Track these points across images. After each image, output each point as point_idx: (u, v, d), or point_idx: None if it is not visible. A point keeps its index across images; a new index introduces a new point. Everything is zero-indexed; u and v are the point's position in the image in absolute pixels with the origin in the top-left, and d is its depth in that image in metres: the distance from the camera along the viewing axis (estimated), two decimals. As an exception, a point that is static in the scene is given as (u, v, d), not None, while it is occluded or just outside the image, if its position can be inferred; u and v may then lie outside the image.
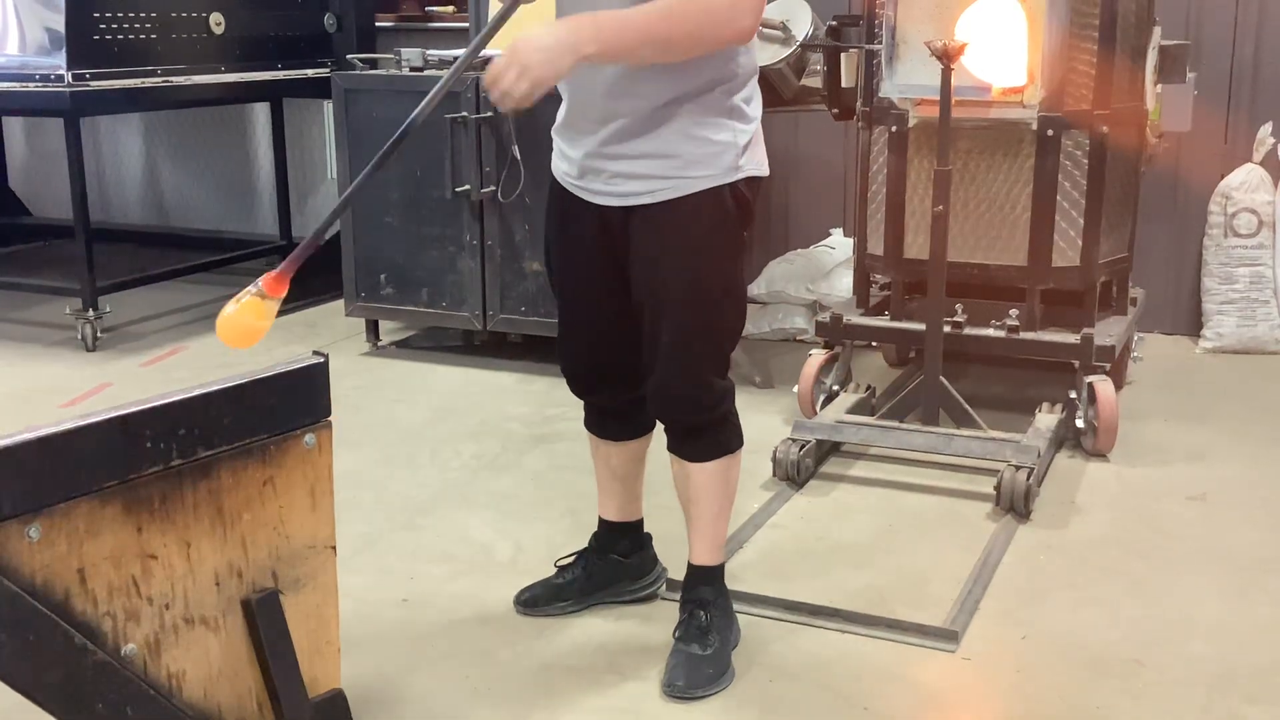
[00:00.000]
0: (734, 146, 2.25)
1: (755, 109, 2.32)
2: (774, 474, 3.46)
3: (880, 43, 3.64)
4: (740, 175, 2.28)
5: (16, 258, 6.10)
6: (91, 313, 4.84)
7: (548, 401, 4.25)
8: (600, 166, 2.27)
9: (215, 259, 5.75)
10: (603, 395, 2.58)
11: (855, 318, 3.92)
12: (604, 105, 2.19)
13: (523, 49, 1.91)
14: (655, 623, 2.71)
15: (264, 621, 1.53)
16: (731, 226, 2.28)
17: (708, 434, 2.41)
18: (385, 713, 2.33)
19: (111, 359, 4.75)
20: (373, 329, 4.94)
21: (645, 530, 2.81)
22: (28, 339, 5.07)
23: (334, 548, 1.65)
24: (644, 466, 2.73)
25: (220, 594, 1.49)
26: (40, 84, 4.79)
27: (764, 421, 3.97)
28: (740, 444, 2.53)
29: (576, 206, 2.38)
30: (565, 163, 2.40)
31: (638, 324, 2.35)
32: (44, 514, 1.29)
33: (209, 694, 1.49)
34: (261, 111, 6.26)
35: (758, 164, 2.32)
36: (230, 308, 1.67)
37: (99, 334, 4.86)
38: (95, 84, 4.78)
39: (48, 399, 4.12)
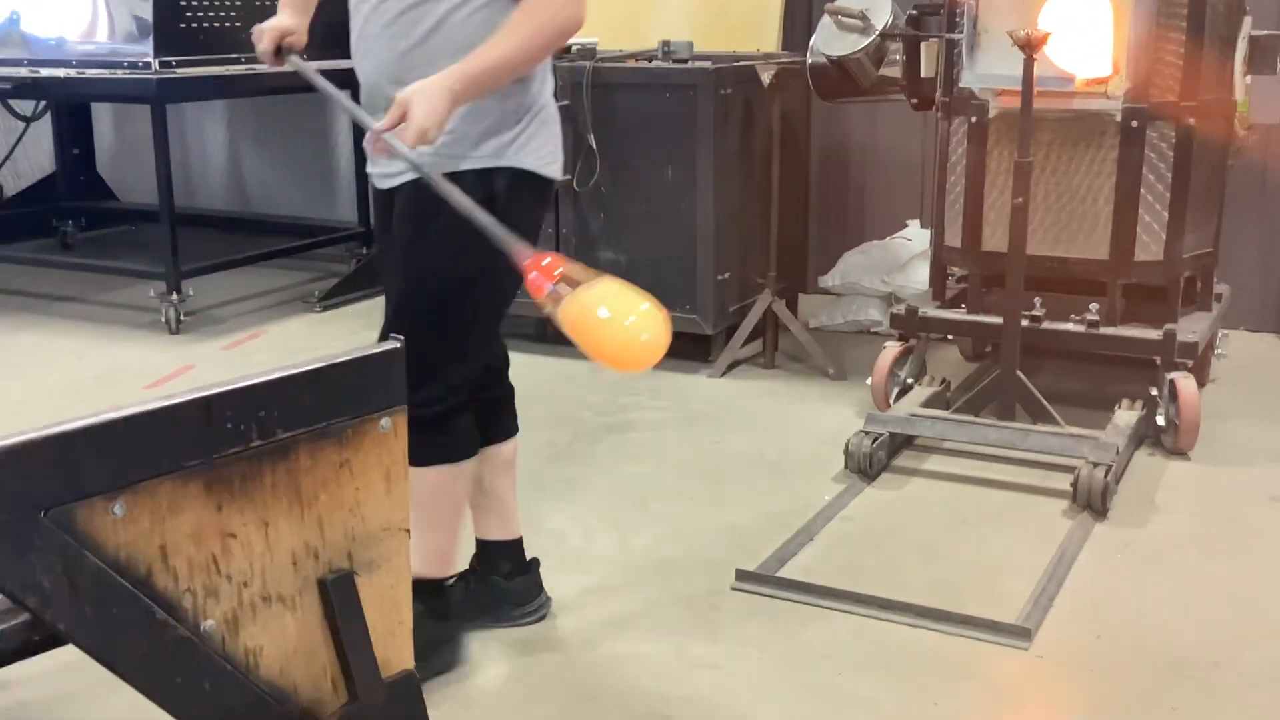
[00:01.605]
0: (495, 136, 2.20)
1: (533, 101, 2.26)
2: (846, 466, 3.44)
3: (961, 32, 3.59)
4: (497, 163, 2.21)
5: (104, 242, 6.26)
6: (175, 296, 4.95)
7: (620, 391, 4.26)
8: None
9: (295, 244, 5.85)
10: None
11: (931, 310, 3.88)
12: (385, 90, 2.17)
13: (411, 105, 1.97)
14: (723, 612, 2.71)
15: (339, 601, 1.55)
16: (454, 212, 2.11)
17: (421, 433, 1.89)
18: (454, 696, 2.36)
19: (194, 342, 4.85)
20: (447, 316, 4.99)
21: (532, 556, 2.68)
22: (114, 321, 5.20)
23: (408, 531, 1.67)
24: (512, 477, 2.61)
25: (297, 573, 1.52)
26: (128, 71, 4.90)
27: (836, 414, 3.95)
28: (461, 457, 2.35)
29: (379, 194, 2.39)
30: None
31: None
32: (128, 491, 1.32)
33: (285, 671, 1.52)
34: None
35: (533, 161, 2.26)
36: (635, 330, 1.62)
37: (182, 317, 4.97)
38: (181, 71, 4.89)
39: (132, 380, 4.22)
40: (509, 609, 2.62)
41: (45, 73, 5.20)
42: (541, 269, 1.74)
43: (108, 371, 4.45)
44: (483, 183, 2.19)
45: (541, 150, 2.30)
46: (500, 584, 2.61)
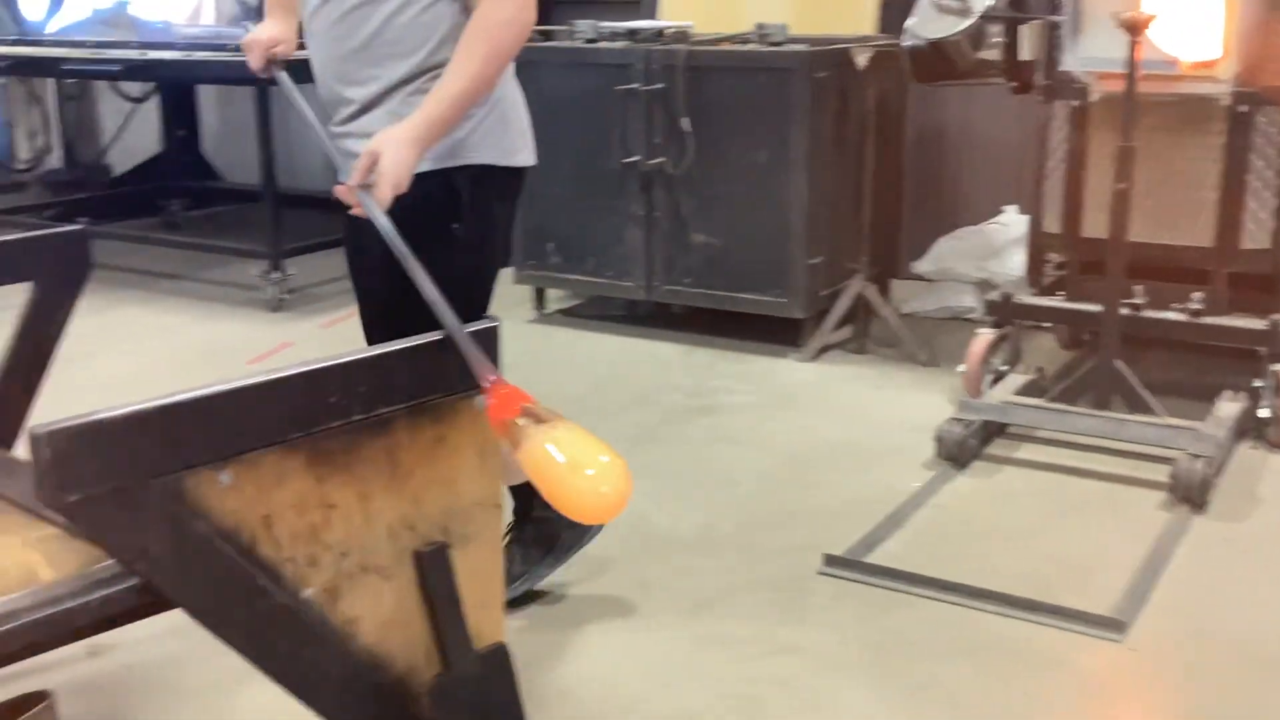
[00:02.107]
0: (447, 136, 2.10)
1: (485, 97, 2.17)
2: (936, 454, 3.41)
3: (1063, 14, 3.51)
4: (454, 163, 2.16)
5: (208, 221, 6.42)
6: (276, 274, 5.07)
7: (710, 374, 4.27)
8: (339, 147, 2.19)
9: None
10: None
11: (1027, 297, 3.81)
12: (335, 89, 2.21)
13: (381, 157, 1.91)
14: (810, 596, 2.71)
15: (433, 574, 1.59)
16: (423, 218, 2.04)
17: None
18: (543, 671, 2.40)
19: (293, 319, 4.97)
20: (539, 297, 5.04)
21: None
22: (217, 298, 5.34)
23: (499, 506, 1.70)
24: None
25: (393, 545, 1.56)
26: (233, 54, 5.01)
27: (927, 400, 3.91)
28: None
29: None
30: None
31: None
32: (235, 462, 1.37)
33: (381, 640, 1.56)
34: (438, 82, 6.42)
35: (493, 155, 2.22)
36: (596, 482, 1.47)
37: (283, 295, 5.09)
38: (284, 55, 4.98)
39: (234, 355, 4.33)
40: (565, 535, 2.61)
41: (153, 55, 5.35)
42: (503, 399, 1.56)
43: (211, 347, 4.58)
44: (443, 183, 2.15)
45: (501, 142, 2.25)
46: (545, 514, 2.53)
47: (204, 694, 2.29)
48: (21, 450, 1.78)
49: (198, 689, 2.32)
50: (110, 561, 1.36)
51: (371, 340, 2.30)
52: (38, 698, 1.47)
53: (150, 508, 1.29)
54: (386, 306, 2.18)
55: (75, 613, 1.33)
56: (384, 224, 1.85)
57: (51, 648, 1.52)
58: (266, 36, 2.33)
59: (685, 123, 4.38)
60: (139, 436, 1.28)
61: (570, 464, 1.49)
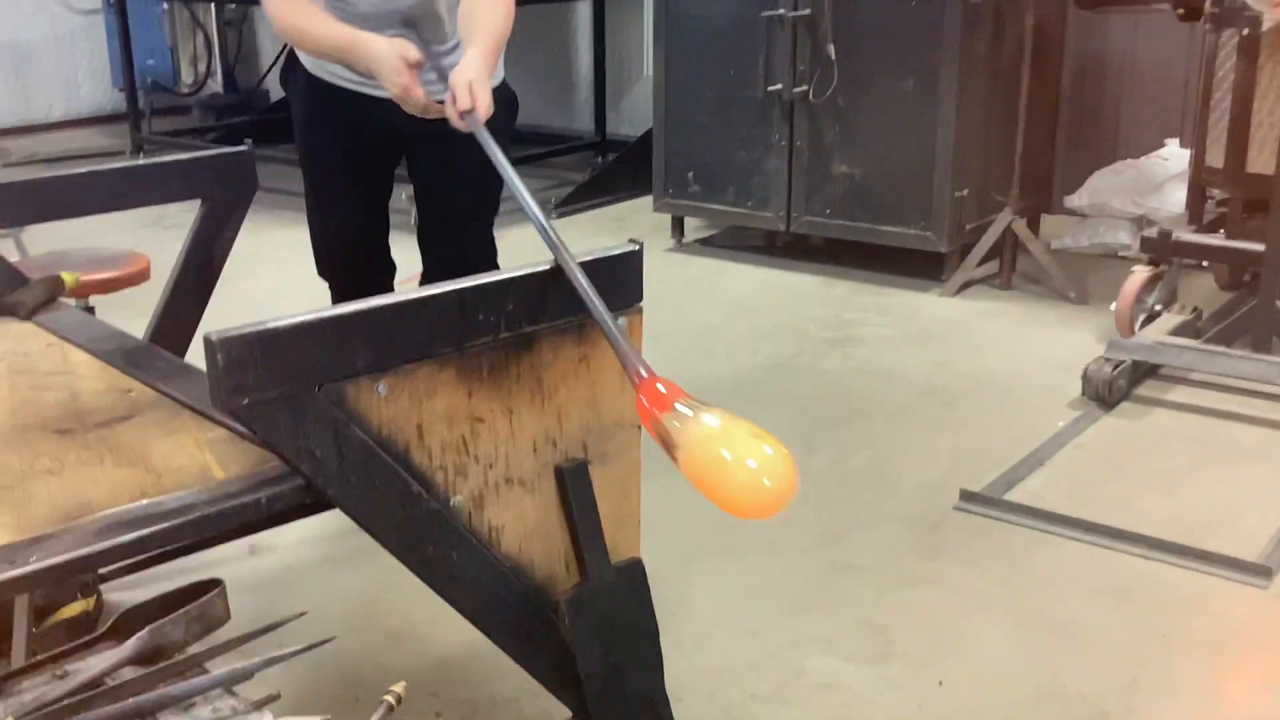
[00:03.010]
0: None
1: None
2: (1083, 393, 3.34)
3: (1238, -65, 3.34)
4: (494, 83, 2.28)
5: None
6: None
7: (846, 305, 4.24)
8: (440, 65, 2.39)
9: (534, 153, 6.01)
10: None
11: (1186, 235, 3.68)
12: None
13: (475, 85, 2.11)
14: (944, 532, 2.70)
15: (574, 488, 1.64)
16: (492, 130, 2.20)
17: None
18: (676, 589, 2.45)
19: (439, 244, 5.07)
20: (678, 226, 5.05)
21: None
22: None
23: (639, 427, 1.73)
24: None
25: (537, 460, 1.61)
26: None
27: (1075, 339, 3.82)
28: None
29: None
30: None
31: None
32: (391, 373, 1.43)
33: (523, 549, 1.62)
34: (583, 9, 6.43)
35: (500, 73, 2.48)
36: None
37: (428, 220, 5.20)
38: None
39: (384, 277, 4.46)
40: None
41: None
42: (655, 396, 1.47)
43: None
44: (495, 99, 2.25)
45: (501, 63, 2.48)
46: None
47: (355, 596, 2.42)
48: (194, 358, 1.89)
49: (349, 591, 2.44)
50: (276, 463, 1.44)
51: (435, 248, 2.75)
52: (211, 584, 1.57)
53: (314, 413, 1.36)
54: (475, 217, 2.63)
55: (244, 509, 1.41)
56: (489, 139, 2.06)
57: (222, 541, 1.62)
58: (407, 58, 2.23)
59: (830, 49, 4.31)
60: (305, 345, 1.35)
61: (733, 457, 1.40)
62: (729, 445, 1.42)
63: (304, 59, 2.62)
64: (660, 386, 1.46)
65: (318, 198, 2.76)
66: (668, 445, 1.44)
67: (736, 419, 1.44)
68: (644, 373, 1.48)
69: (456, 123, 2.13)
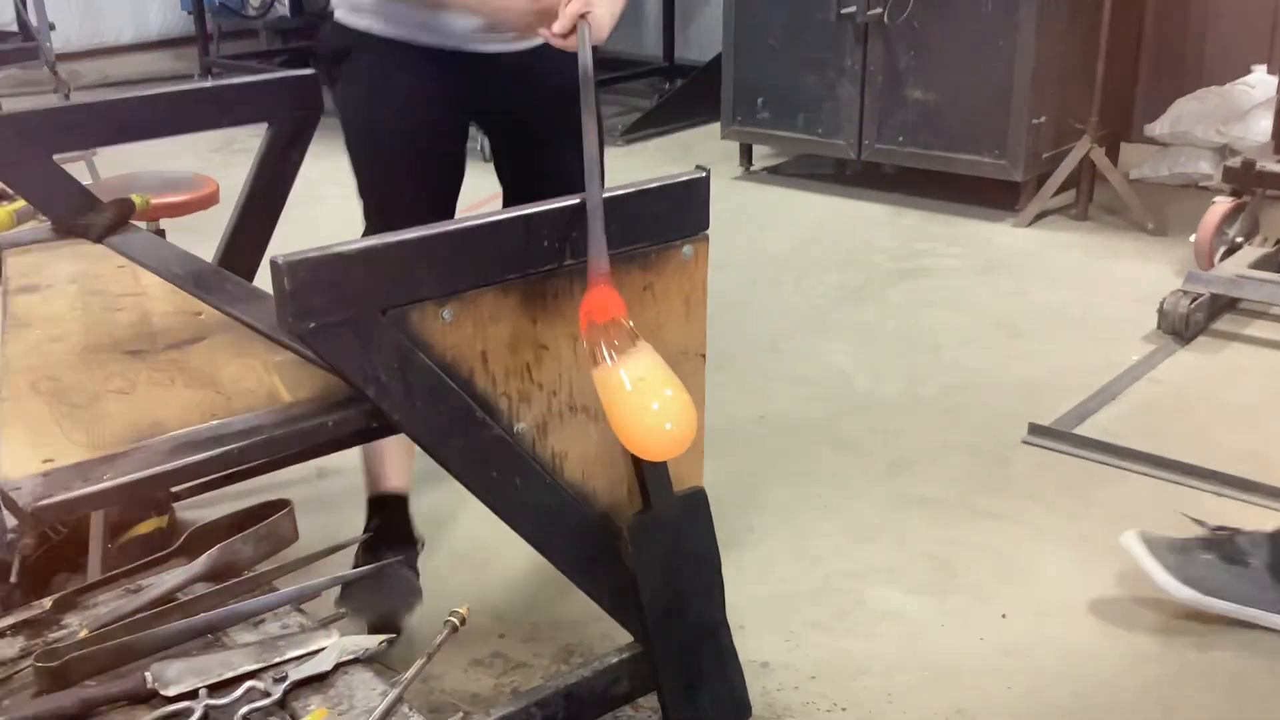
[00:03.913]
0: None
1: None
2: (1159, 326, 3.26)
3: None
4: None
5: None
6: (489, 125, 5.16)
7: (917, 235, 4.17)
8: None
9: (604, 78, 5.93)
10: None
11: (1271, 164, 3.56)
12: None
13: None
14: (1011, 465, 2.67)
15: (637, 417, 1.63)
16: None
17: None
18: (740, 515, 2.45)
19: (505, 170, 5.06)
20: (746, 153, 4.99)
21: None
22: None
23: (704, 356, 1.72)
24: None
25: (600, 388, 1.60)
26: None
27: (1152, 271, 3.73)
28: None
29: None
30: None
31: None
32: (455, 298, 1.42)
33: (586, 476, 1.62)
34: (653, -69, 6.32)
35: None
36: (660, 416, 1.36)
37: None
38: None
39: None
40: None
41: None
42: (603, 300, 1.43)
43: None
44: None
45: None
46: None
47: (420, 519, 2.44)
48: (261, 281, 1.90)
49: (414, 514, 2.47)
50: (342, 387, 1.45)
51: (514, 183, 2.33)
52: (280, 504, 1.60)
53: (379, 338, 1.36)
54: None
55: (311, 432, 1.42)
56: (588, 62, 1.75)
57: (289, 464, 1.64)
58: None
59: (907, -29, 4.19)
60: (371, 270, 1.35)
61: (637, 395, 1.38)
62: (642, 383, 1.40)
63: (377, 21, 2.09)
64: (609, 293, 1.43)
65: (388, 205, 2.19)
66: (592, 359, 1.42)
67: (655, 358, 1.42)
68: (605, 270, 1.44)
69: (556, 41, 1.80)
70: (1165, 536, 2.17)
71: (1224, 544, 2.14)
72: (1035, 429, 2.76)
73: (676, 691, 1.74)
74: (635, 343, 1.42)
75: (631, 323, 1.44)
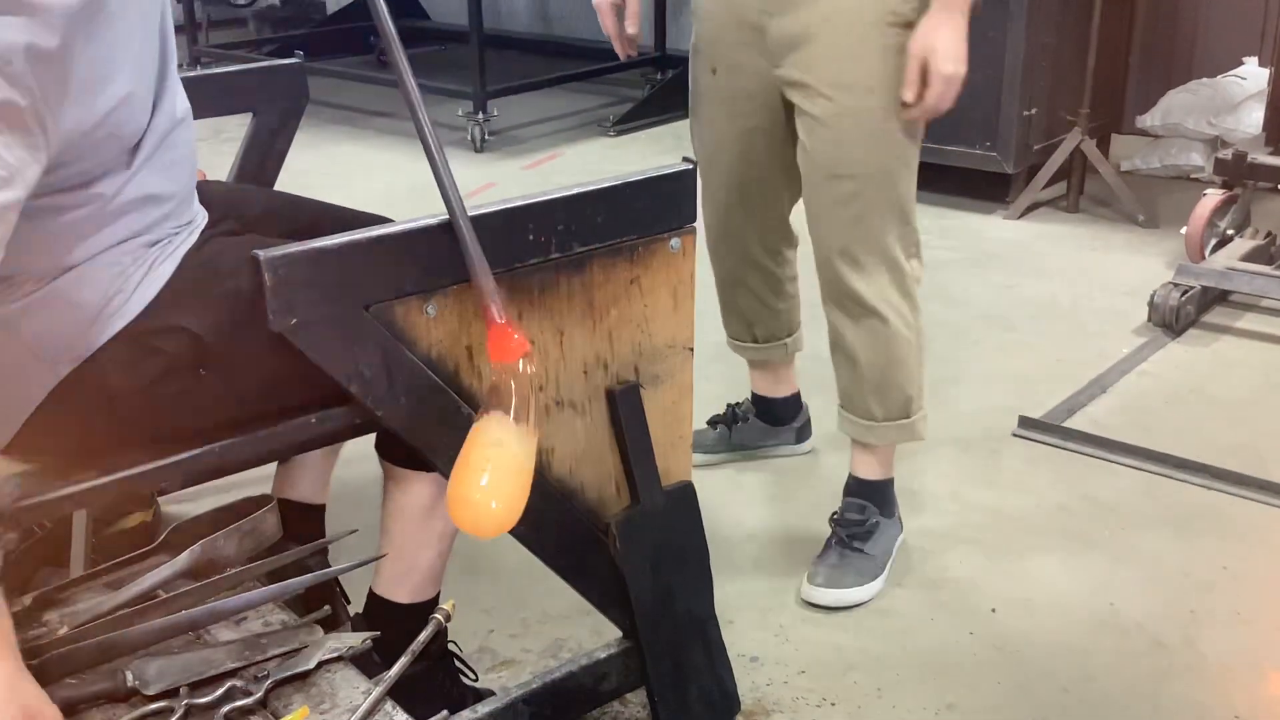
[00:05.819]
0: None
1: None
2: (1149, 319, 3.26)
3: None
4: None
5: (415, 61, 6.51)
6: (480, 115, 5.14)
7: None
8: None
9: (595, 68, 5.92)
10: None
11: (1263, 156, 3.55)
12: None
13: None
14: (1001, 458, 2.66)
15: (625, 411, 1.62)
16: None
17: None
18: (729, 512, 2.45)
19: (496, 160, 5.05)
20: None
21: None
22: (424, 138, 5.46)
23: (691, 349, 1.71)
24: None
25: (587, 382, 1.59)
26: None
27: (1143, 263, 3.73)
28: None
29: None
30: None
31: None
32: (439, 294, 1.41)
33: (574, 471, 1.61)
34: (643, -80, 6.28)
35: None
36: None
37: (486, 136, 5.17)
38: (492, -109, 4.95)
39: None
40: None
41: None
42: (508, 344, 1.35)
43: (419, 184, 4.68)
44: None
45: None
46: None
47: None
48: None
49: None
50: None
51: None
52: (263, 500, 1.58)
53: (363, 334, 1.35)
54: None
55: (296, 429, 1.41)
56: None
57: (274, 459, 1.63)
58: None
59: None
60: (353, 265, 1.33)
61: (473, 465, 1.30)
62: (488, 453, 1.32)
63: None
64: (514, 337, 1.35)
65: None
66: (495, 396, 1.34)
67: (519, 434, 1.33)
68: (502, 318, 1.35)
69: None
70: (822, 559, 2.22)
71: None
72: (1025, 422, 2.75)
73: (665, 687, 1.74)
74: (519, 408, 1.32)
75: (532, 368, 1.35)
